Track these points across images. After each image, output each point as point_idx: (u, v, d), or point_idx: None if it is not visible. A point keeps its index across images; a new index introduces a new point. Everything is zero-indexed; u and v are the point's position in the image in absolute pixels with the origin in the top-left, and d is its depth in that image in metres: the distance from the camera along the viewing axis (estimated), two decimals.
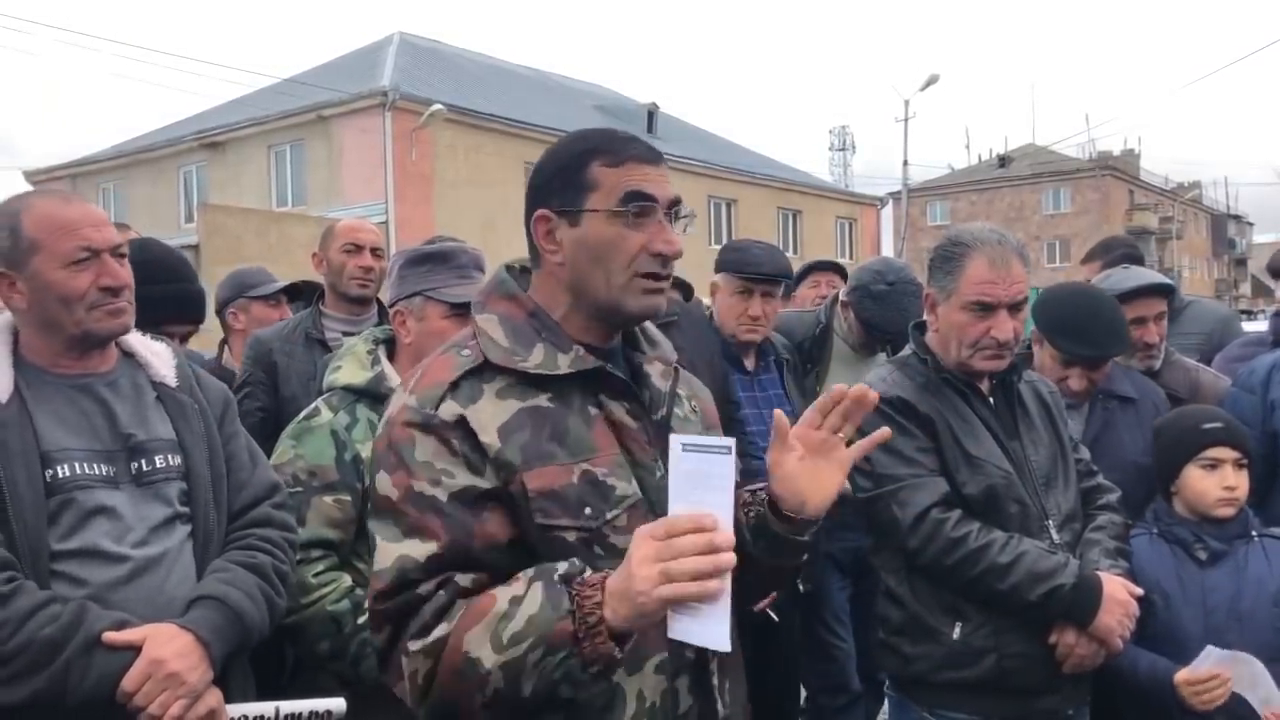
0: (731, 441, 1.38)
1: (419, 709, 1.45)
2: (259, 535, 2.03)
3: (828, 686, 3.79)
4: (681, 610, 1.34)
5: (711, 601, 1.32)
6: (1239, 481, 2.55)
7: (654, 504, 1.53)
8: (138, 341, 2.07)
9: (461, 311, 2.33)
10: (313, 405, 2.45)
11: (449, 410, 1.48)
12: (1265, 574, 2.49)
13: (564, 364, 1.54)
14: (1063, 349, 2.78)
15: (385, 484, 1.49)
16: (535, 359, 1.54)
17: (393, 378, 2.40)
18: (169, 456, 1.96)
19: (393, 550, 1.45)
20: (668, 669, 1.53)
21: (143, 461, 1.93)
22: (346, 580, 2.30)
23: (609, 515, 1.50)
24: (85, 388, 1.94)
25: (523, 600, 1.38)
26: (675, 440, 1.39)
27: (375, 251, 3.66)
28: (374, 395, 2.39)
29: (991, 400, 2.46)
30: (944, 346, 2.43)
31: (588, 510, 1.48)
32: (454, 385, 1.50)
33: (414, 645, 1.41)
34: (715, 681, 1.58)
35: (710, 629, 1.34)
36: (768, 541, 1.59)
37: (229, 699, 1.91)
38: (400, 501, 1.47)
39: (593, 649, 1.34)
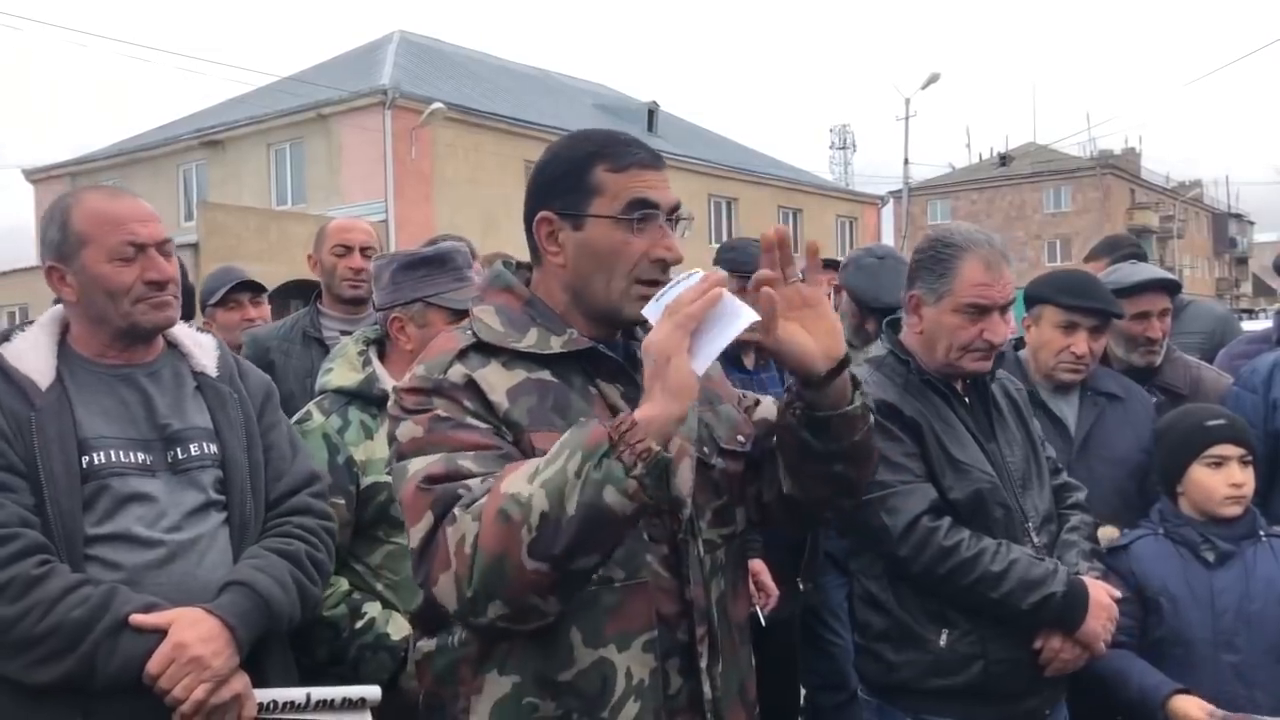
0: (696, 271, 1.48)
1: (465, 588, 1.40)
2: (296, 523, 2.06)
3: (825, 684, 3.78)
4: (700, 338, 1.41)
5: (719, 307, 1.41)
6: (1245, 478, 2.53)
7: None
8: (183, 333, 2.13)
9: (464, 316, 2.32)
10: (304, 410, 2.45)
11: (457, 373, 1.53)
12: (1275, 574, 2.46)
13: (556, 345, 1.58)
14: (1068, 306, 2.77)
15: (408, 428, 1.51)
16: (529, 340, 1.58)
17: (384, 379, 2.39)
18: (205, 444, 2.01)
19: (436, 455, 1.47)
20: (657, 649, 1.55)
21: (178, 450, 1.98)
22: (343, 584, 2.29)
23: None
24: (126, 377, 2.00)
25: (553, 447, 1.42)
26: (645, 311, 1.47)
27: (365, 251, 3.62)
28: (365, 397, 2.38)
29: (967, 400, 2.44)
30: (929, 347, 2.40)
31: None
32: (461, 353, 1.55)
33: (460, 512, 1.41)
34: (703, 664, 1.59)
35: (730, 320, 1.42)
36: (824, 428, 1.58)
37: (268, 684, 1.93)
38: (429, 432, 1.49)
39: (630, 450, 1.34)
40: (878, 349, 2.53)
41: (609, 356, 1.61)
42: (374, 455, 2.32)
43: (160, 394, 2.01)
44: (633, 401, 1.59)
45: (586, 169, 1.57)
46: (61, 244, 1.97)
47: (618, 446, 1.34)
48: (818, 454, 1.61)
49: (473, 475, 1.44)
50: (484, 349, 1.57)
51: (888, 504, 2.29)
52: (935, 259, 2.37)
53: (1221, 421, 2.59)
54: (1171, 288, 3.17)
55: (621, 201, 1.55)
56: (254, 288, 3.87)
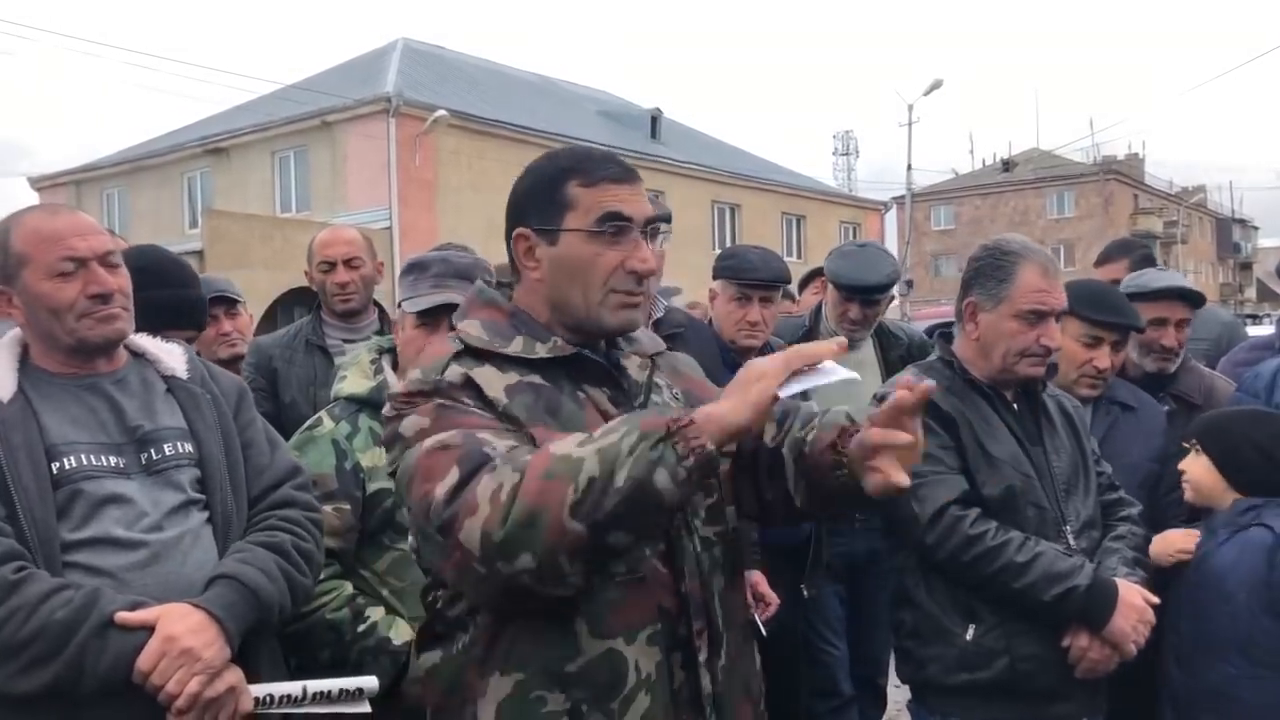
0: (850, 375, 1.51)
1: (496, 533, 1.38)
2: (280, 516, 2.04)
3: (818, 691, 3.79)
4: (796, 376, 1.45)
5: (826, 363, 1.47)
6: (1188, 463, 2.62)
7: None
8: (148, 341, 2.10)
9: (429, 320, 2.37)
10: (315, 416, 2.47)
11: (454, 372, 1.55)
12: (1231, 565, 2.45)
13: (542, 350, 1.62)
14: (1091, 319, 2.80)
15: (413, 421, 1.53)
16: (514, 347, 1.62)
17: (395, 386, 2.40)
18: (179, 444, 1.98)
19: (451, 431, 1.49)
20: (660, 642, 1.56)
21: (152, 451, 1.95)
22: (348, 588, 2.30)
23: None
24: (91, 386, 1.97)
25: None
26: (781, 391, 1.48)
27: (350, 263, 3.57)
28: (376, 405, 2.39)
29: (1015, 408, 2.49)
30: (983, 354, 2.46)
31: None
32: (456, 355, 1.59)
33: (501, 463, 1.43)
34: (702, 658, 1.60)
35: (830, 371, 1.47)
36: (857, 501, 1.65)
37: (257, 680, 1.91)
38: (436, 420, 1.51)
39: (685, 443, 1.37)
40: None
41: (594, 361, 1.65)
42: (381, 462, 2.32)
43: (128, 399, 1.98)
44: (622, 406, 1.63)
45: (559, 185, 1.61)
46: (4, 266, 1.93)
47: (674, 436, 1.37)
48: (847, 498, 1.67)
49: (492, 446, 1.46)
50: (475, 354, 1.60)
51: (918, 493, 2.33)
52: (994, 266, 2.44)
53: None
54: (1193, 299, 3.17)
55: (593, 215, 1.59)
56: (228, 301, 3.69)
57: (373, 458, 2.34)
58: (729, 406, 1.42)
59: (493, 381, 1.56)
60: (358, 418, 2.40)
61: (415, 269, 2.47)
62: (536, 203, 1.63)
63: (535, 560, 1.39)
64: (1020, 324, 2.39)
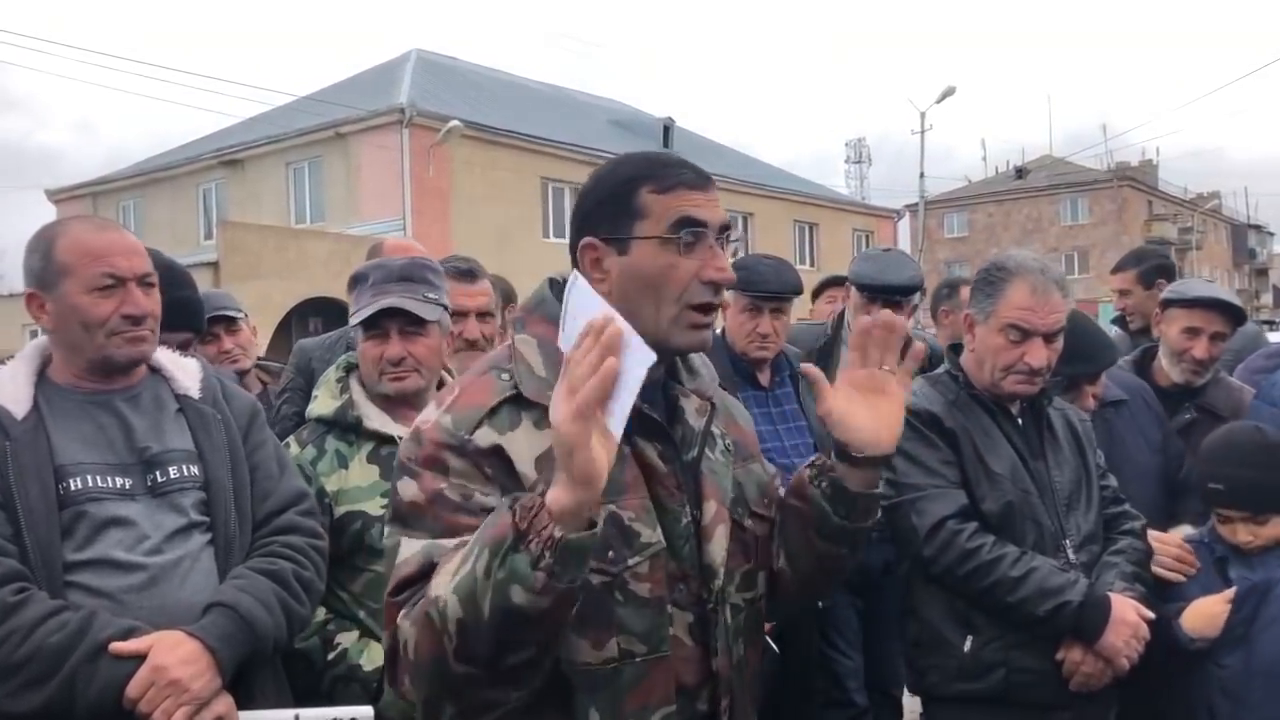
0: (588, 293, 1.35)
1: (420, 691, 1.36)
2: (283, 542, 2.05)
3: (830, 702, 3.77)
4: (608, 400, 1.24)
5: (619, 376, 1.22)
6: (1251, 535, 2.54)
7: (677, 550, 1.51)
8: (165, 357, 2.13)
9: (375, 331, 2.37)
10: (285, 441, 2.45)
11: (485, 436, 1.44)
12: None
13: None
14: (1063, 374, 2.77)
15: (411, 489, 1.44)
16: None
17: (361, 404, 2.40)
18: (185, 467, 2.00)
19: (419, 544, 1.40)
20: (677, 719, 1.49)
21: (158, 473, 1.97)
22: (319, 614, 2.27)
23: (631, 562, 1.46)
24: (104, 403, 2.00)
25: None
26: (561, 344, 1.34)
27: None
28: (343, 425, 2.39)
29: (1020, 422, 2.51)
30: (978, 367, 2.49)
31: (611, 554, 1.44)
32: (493, 411, 1.46)
33: (402, 618, 1.36)
34: None
35: (631, 371, 1.23)
36: (846, 504, 1.57)
37: (258, 706, 1.92)
38: (429, 504, 1.42)
39: (537, 539, 1.23)
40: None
41: (650, 417, 1.53)
42: (347, 485, 2.34)
43: (139, 418, 2.00)
44: (670, 461, 1.54)
45: (631, 192, 1.50)
46: (43, 272, 1.98)
47: (526, 536, 1.23)
48: (834, 531, 1.59)
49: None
50: (518, 401, 1.47)
51: (918, 506, 2.39)
52: (987, 280, 2.48)
53: (1219, 487, 2.57)
54: (1232, 313, 3.15)
55: (667, 221, 1.48)
56: (227, 319, 3.71)
57: (338, 481, 2.34)
58: (564, 491, 1.23)
59: (524, 451, 1.44)
60: (324, 440, 2.39)
61: (356, 282, 2.45)
62: (606, 211, 1.51)
63: (456, 704, 1.37)
64: (1004, 339, 2.41)
